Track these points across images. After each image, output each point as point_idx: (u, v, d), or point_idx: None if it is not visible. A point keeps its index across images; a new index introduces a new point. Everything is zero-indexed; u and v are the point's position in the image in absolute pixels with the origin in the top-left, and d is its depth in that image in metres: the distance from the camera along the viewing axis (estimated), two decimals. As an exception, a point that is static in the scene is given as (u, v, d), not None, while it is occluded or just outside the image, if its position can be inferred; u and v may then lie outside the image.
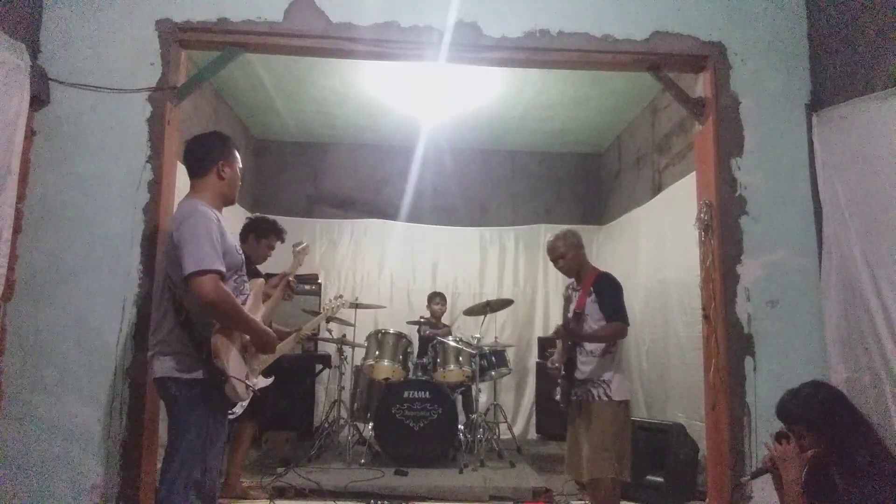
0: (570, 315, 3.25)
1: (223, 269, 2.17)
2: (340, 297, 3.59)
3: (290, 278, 2.78)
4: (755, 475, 2.48)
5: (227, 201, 2.47)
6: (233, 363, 2.21)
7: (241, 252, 2.42)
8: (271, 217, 4.08)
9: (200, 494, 2.18)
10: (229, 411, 2.57)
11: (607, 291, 3.15)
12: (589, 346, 3.13)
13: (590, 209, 7.32)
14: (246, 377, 2.29)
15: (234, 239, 2.39)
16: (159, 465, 2.87)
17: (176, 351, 2.21)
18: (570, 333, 3.10)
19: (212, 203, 2.36)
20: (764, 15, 3.26)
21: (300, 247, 2.88)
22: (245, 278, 2.43)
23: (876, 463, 2.17)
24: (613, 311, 3.11)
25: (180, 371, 2.20)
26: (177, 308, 2.23)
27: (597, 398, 3.04)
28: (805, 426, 2.24)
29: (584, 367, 3.10)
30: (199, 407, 2.19)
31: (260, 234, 3.80)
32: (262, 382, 2.49)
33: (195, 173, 2.42)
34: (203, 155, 2.41)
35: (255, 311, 2.42)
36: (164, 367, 2.22)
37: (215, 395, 2.21)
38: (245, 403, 2.37)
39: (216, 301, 2.11)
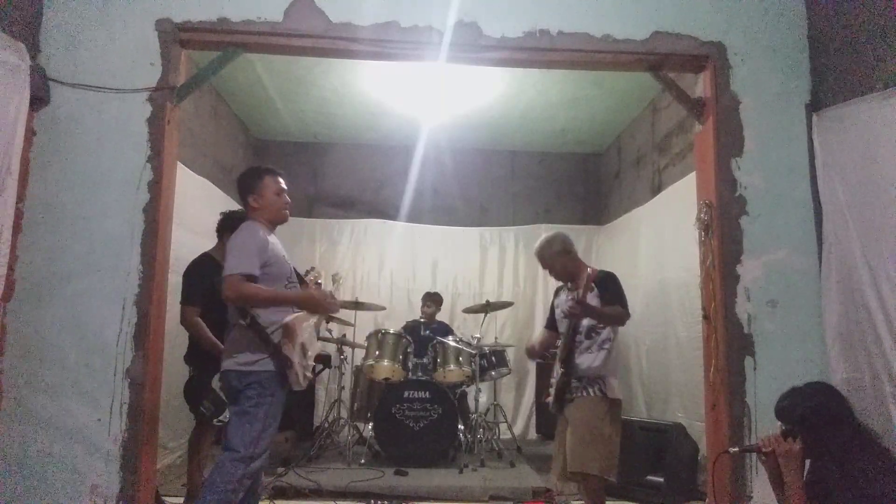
0: (562, 314, 3.23)
1: (252, 270, 2.48)
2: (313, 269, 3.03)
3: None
4: (744, 449, 2.63)
5: (272, 223, 2.75)
6: (297, 353, 2.54)
7: (289, 262, 2.72)
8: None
9: (248, 473, 2.44)
10: (216, 419, 3.10)
11: (610, 286, 3.12)
12: (587, 341, 3.09)
13: (590, 209, 7.32)
14: (305, 369, 2.62)
15: (284, 251, 2.70)
16: (159, 466, 2.90)
17: (241, 349, 2.53)
18: (583, 307, 2.98)
19: (263, 224, 2.68)
20: (764, 15, 3.26)
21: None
22: (296, 285, 2.72)
23: (873, 466, 2.17)
24: (617, 299, 3.08)
25: (243, 364, 2.50)
26: (241, 313, 2.54)
27: (591, 394, 3.00)
28: (801, 427, 2.24)
29: (583, 363, 3.04)
30: (259, 394, 2.49)
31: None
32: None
33: (241, 203, 2.81)
34: (240, 191, 2.77)
35: (307, 319, 2.67)
36: (228, 362, 2.55)
37: (271, 386, 2.52)
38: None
39: (235, 297, 2.47)
